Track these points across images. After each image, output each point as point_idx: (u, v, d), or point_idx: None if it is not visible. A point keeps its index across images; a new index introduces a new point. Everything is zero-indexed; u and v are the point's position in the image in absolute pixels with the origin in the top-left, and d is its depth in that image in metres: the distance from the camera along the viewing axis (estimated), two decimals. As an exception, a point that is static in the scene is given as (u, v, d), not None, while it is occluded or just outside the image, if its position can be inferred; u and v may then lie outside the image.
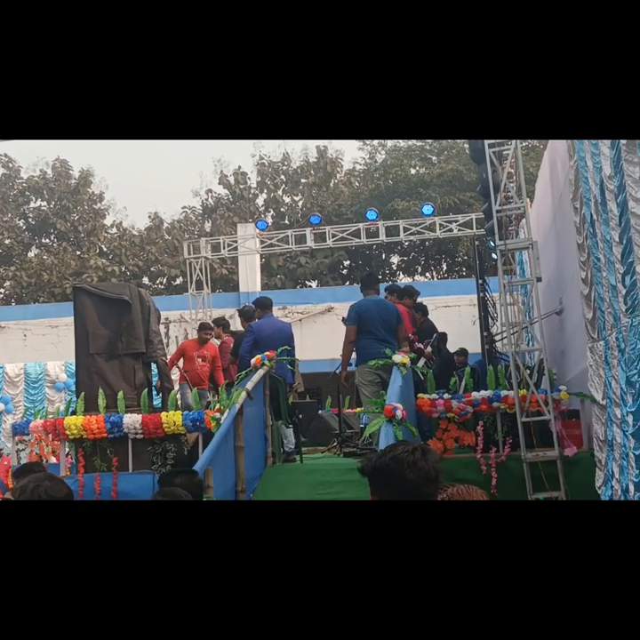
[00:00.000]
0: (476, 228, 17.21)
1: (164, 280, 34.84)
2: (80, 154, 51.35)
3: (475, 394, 8.78)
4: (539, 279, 9.14)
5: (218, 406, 8.61)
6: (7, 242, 34.92)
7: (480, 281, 11.26)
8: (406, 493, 2.51)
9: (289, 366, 9.36)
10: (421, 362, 9.82)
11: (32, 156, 57.17)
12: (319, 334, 20.01)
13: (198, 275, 19.55)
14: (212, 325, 12.34)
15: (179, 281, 33.73)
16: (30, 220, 35.99)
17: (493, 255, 11.91)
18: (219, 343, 11.88)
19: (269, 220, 29.22)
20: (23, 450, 10.95)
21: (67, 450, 9.36)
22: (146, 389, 9.60)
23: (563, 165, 9.06)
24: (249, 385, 8.33)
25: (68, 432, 9.12)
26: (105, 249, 34.96)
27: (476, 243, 12.43)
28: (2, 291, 33.78)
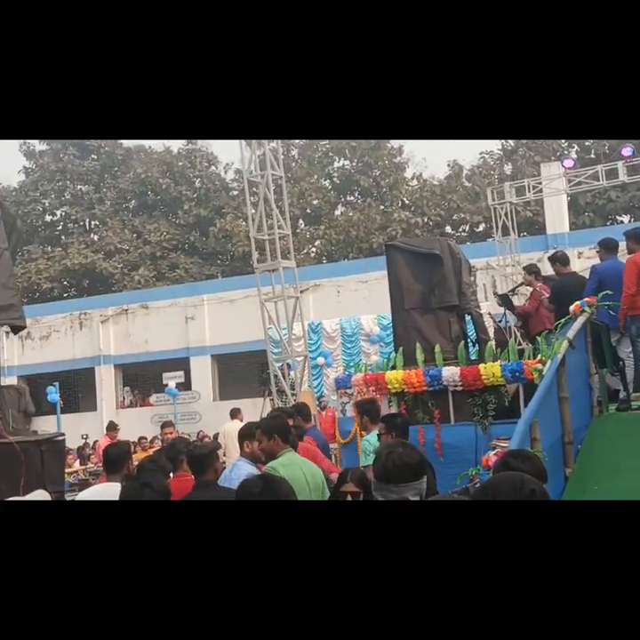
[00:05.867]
0: None
1: (467, 228, 34.68)
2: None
3: None
4: None
5: (539, 357, 8.37)
6: (315, 202, 36.66)
7: None
8: None
9: (611, 312, 8.85)
10: None
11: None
12: None
13: (503, 220, 19.16)
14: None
15: (481, 227, 33.39)
16: (335, 179, 37.44)
17: None
18: (530, 291, 11.55)
19: (574, 156, 27.86)
20: (348, 403, 11.42)
21: (389, 403, 9.63)
22: (462, 342, 9.59)
23: None
24: (570, 333, 8.01)
25: (389, 386, 9.37)
26: (407, 201, 35.49)
27: None
28: (313, 250, 35.59)
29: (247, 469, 5.27)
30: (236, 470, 5.46)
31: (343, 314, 22.93)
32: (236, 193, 36.92)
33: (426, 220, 33.85)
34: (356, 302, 23.93)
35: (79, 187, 40.14)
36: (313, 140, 35.04)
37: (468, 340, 10.34)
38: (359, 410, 7.73)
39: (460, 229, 34.83)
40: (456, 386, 9.08)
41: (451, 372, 9.10)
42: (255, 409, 19.04)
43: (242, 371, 27.32)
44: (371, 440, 7.18)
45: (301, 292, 14.66)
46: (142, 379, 29.60)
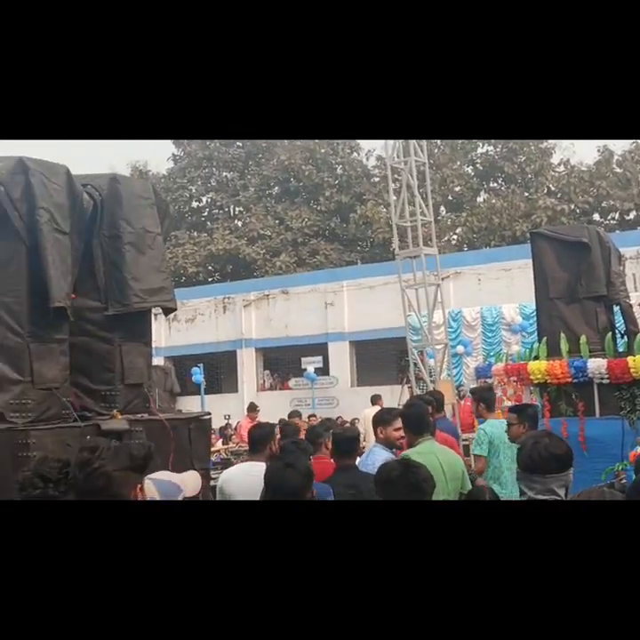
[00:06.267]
0: None
1: (617, 215, 33.40)
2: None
3: None
4: None
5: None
6: (457, 189, 36.19)
7: None
8: None
9: None
10: None
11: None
12: None
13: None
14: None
15: (632, 215, 32.11)
16: (478, 165, 36.84)
17: None
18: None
19: None
20: (487, 392, 11.26)
21: (530, 394, 9.45)
22: (609, 333, 9.27)
23: None
24: None
25: (531, 377, 9.18)
26: (553, 188, 34.51)
27: None
28: (454, 237, 35.18)
29: (383, 455, 5.31)
30: (372, 456, 5.51)
31: (484, 302, 22.56)
32: (377, 179, 36.92)
33: (573, 207, 32.82)
34: (498, 291, 23.49)
35: (224, 173, 41.17)
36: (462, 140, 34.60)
37: (616, 332, 9.99)
38: (475, 397, 7.65)
39: (610, 217, 33.58)
40: (602, 378, 8.79)
41: (597, 364, 8.82)
42: (393, 396, 19.05)
43: (380, 357, 27.38)
44: (486, 429, 7.09)
45: (442, 279, 14.54)
46: (282, 362, 30.16)
